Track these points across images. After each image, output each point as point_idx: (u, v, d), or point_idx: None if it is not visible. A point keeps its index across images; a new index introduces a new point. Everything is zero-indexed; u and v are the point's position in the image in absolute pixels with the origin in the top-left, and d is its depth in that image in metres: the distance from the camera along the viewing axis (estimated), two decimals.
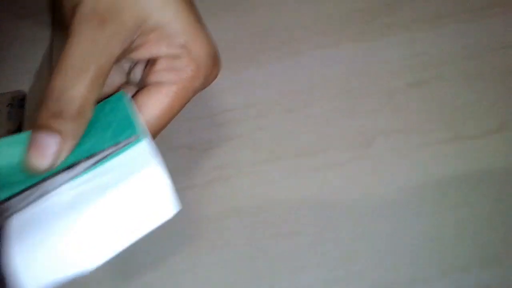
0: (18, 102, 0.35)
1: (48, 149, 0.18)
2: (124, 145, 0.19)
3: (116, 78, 0.24)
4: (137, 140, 0.20)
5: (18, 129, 0.34)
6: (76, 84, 0.19)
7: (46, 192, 0.18)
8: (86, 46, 0.19)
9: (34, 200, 0.18)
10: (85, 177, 0.19)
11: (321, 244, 0.29)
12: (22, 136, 0.19)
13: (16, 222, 0.17)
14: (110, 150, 0.19)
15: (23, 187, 0.18)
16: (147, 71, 0.23)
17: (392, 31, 0.35)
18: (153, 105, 0.22)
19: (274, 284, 0.28)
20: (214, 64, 0.24)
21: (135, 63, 0.24)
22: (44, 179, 0.18)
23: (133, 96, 0.23)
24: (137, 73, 0.24)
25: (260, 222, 0.30)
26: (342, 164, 0.31)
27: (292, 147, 0.32)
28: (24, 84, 0.36)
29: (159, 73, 0.22)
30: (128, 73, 0.25)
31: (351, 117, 0.33)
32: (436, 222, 0.29)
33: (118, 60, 0.21)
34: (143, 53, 0.22)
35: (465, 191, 0.30)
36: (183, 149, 0.32)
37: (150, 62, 0.23)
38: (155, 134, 0.23)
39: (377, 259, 0.28)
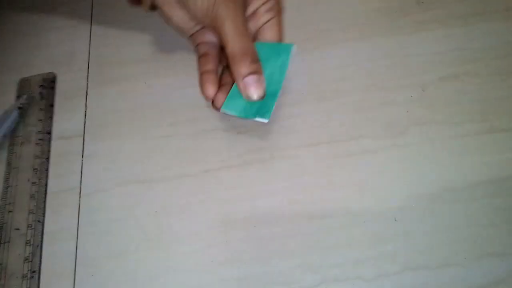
0: (49, 84, 0.37)
1: (261, 84, 0.30)
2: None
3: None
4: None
5: (50, 107, 0.36)
6: (250, 42, 0.31)
7: None
8: (238, 19, 0.30)
9: None
10: None
11: (352, 225, 0.29)
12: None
13: None
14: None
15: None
16: (256, 22, 0.33)
17: (424, 27, 0.36)
18: (275, 33, 0.33)
19: (305, 262, 0.28)
20: None
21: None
22: None
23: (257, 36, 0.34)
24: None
25: (292, 203, 0.30)
26: (375, 151, 0.32)
27: (324, 134, 0.33)
28: (55, 67, 0.38)
29: (264, 16, 0.33)
30: None
31: (383, 107, 0.33)
32: (470, 209, 0.29)
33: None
34: (251, 10, 0.33)
35: (498, 181, 0.30)
36: (219, 131, 0.33)
37: (252, 16, 0.33)
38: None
39: (410, 241, 0.28)
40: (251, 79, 0.30)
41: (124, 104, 0.35)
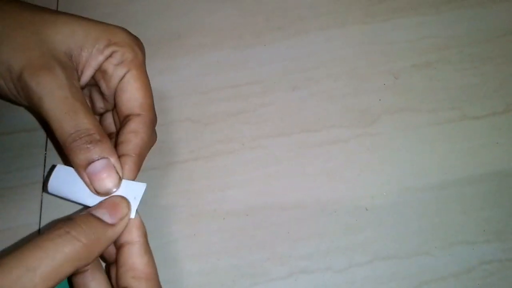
0: None
1: (111, 169, 0.23)
2: None
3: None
4: None
5: None
6: (86, 117, 0.23)
7: None
8: (61, 91, 0.22)
9: None
10: None
11: (323, 216, 0.29)
12: None
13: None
14: None
15: None
16: (108, 83, 0.25)
17: (398, 14, 0.36)
18: (134, 92, 0.25)
19: (275, 253, 0.28)
20: (133, 37, 0.26)
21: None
22: None
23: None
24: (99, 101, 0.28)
25: (262, 194, 0.29)
26: (346, 140, 0.31)
27: (295, 123, 0.32)
28: None
29: (115, 73, 0.25)
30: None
31: (355, 96, 0.33)
32: (440, 197, 0.29)
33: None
34: (89, 73, 0.25)
35: (470, 169, 0.30)
36: (187, 122, 0.32)
37: (100, 77, 0.25)
38: (151, 104, 0.26)
39: (380, 230, 0.28)
40: (94, 167, 0.22)
41: None
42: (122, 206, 0.22)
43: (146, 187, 0.23)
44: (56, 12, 0.25)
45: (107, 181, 0.22)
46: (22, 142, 0.32)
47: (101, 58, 0.24)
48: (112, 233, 0.21)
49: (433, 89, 0.33)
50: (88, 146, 0.22)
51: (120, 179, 0.23)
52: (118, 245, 0.22)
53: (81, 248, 0.19)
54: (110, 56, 0.24)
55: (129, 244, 0.22)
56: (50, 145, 0.32)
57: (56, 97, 0.22)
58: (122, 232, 0.22)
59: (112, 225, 0.21)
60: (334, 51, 0.35)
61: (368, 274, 0.27)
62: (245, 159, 0.31)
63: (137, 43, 0.26)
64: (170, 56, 0.35)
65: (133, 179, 0.24)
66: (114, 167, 0.22)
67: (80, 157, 0.22)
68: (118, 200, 0.22)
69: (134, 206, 0.23)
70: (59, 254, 0.19)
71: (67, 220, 0.20)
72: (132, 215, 0.22)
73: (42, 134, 0.32)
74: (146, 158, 0.31)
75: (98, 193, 0.22)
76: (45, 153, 0.32)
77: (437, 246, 0.27)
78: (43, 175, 0.31)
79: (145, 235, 0.23)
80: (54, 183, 0.24)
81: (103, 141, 0.22)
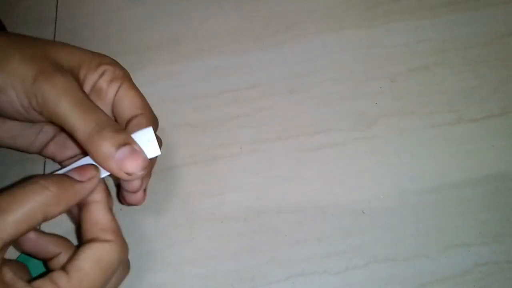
0: None
1: (139, 153, 0.23)
2: None
3: None
4: None
5: None
6: (103, 113, 0.24)
7: None
8: (76, 93, 0.23)
9: None
10: None
11: (320, 219, 0.29)
12: None
13: None
14: None
15: None
16: (104, 100, 0.26)
17: (394, 18, 0.36)
18: (133, 99, 0.26)
19: (273, 256, 0.28)
20: (116, 61, 0.27)
21: None
22: None
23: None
24: None
25: (260, 197, 0.30)
26: (343, 144, 0.31)
27: (293, 127, 0.32)
28: None
29: (110, 89, 0.26)
30: None
31: (353, 99, 0.33)
32: (437, 199, 0.29)
33: None
34: (86, 89, 0.26)
35: (466, 171, 0.30)
36: (186, 126, 0.33)
37: (95, 95, 0.26)
38: (149, 107, 0.27)
39: (378, 233, 0.28)
40: (122, 152, 0.23)
41: None
42: (90, 168, 0.23)
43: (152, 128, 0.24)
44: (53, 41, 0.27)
45: (136, 162, 0.23)
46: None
47: (95, 76, 0.26)
48: (80, 188, 0.22)
49: (429, 93, 0.33)
50: (113, 134, 0.23)
51: (148, 160, 0.24)
52: (85, 202, 0.24)
53: (51, 197, 0.21)
54: (102, 74, 0.26)
55: (95, 202, 0.23)
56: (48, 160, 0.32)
57: (73, 97, 0.23)
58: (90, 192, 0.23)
59: (81, 181, 0.22)
60: (331, 55, 0.35)
61: (366, 277, 0.27)
62: (243, 163, 0.31)
63: (121, 65, 0.27)
64: (169, 61, 0.35)
65: None
66: (140, 150, 0.23)
67: (107, 146, 0.22)
68: (87, 166, 0.23)
69: (153, 145, 0.24)
70: (30, 200, 0.20)
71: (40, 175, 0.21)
72: (158, 151, 0.24)
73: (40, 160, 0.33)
74: None
75: (129, 175, 0.23)
76: (45, 160, 0.32)
77: (433, 248, 0.27)
78: None
79: (108, 197, 0.24)
80: None
81: (124, 130, 0.24)
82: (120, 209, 0.30)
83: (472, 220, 0.28)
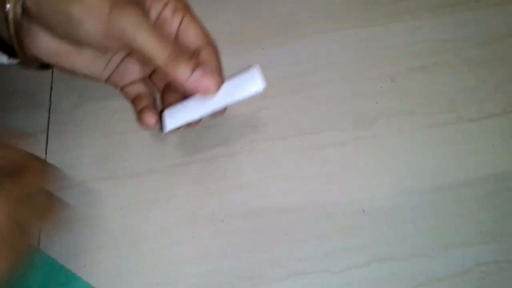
0: None
1: (212, 73, 0.26)
2: None
3: None
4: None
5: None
6: (173, 43, 0.26)
7: None
8: (148, 24, 0.25)
9: None
10: None
11: (320, 218, 0.29)
12: None
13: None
14: None
15: None
16: (168, 29, 0.28)
17: (394, 18, 0.36)
18: (197, 31, 0.29)
19: (273, 255, 0.28)
20: None
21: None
22: None
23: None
24: None
25: (260, 196, 0.30)
26: (343, 143, 0.31)
27: (293, 126, 0.32)
28: None
29: (174, 20, 0.28)
30: None
31: (353, 99, 0.33)
32: (437, 199, 0.29)
33: None
34: (152, 22, 0.28)
35: (466, 171, 0.30)
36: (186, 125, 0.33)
37: (159, 24, 0.28)
38: (212, 38, 0.30)
39: (378, 232, 0.28)
40: (198, 74, 0.25)
41: (88, 99, 0.34)
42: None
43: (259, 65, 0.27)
44: None
45: (210, 81, 0.26)
46: (22, 145, 0.33)
47: (159, 6, 0.28)
48: None
49: (429, 92, 0.33)
50: (187, 60, 0.25)
51: (222, 78, 0.27)
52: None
53: None
54: (166, 4, 0.28)
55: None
56: (50, 148, 0.33)
57: (147, 28, 0.25)
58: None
59: None
60: (332, 55, 0.35)
61: (365, 276, 0.27)
62: (244, 162, 0.31)
63: None
64: None
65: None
66: (211, 72, 0.26)
67: (184, 70, 0.25)
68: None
69: (258, 73, 0.27)
70: None
71: None
72: (263, 83, 0.27)
73: (42, 138, 0.33)
74: (145, 160, 0.32)
75: (205, 92, 0.26)
76: (46, 157, 0.32)
77: (433, 248, 0.27)
78: None
79: None
80: (169, 122, 0.28)
81: (195, 58, 0.27)
82: (121, 208, 0.30)
83: (472, 219, 0.28)
